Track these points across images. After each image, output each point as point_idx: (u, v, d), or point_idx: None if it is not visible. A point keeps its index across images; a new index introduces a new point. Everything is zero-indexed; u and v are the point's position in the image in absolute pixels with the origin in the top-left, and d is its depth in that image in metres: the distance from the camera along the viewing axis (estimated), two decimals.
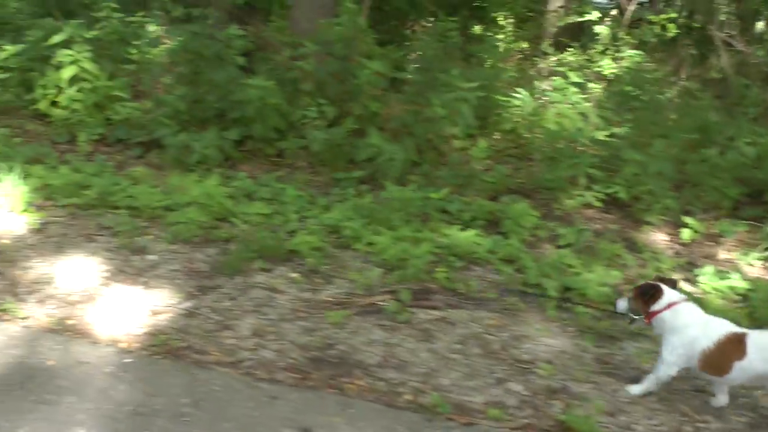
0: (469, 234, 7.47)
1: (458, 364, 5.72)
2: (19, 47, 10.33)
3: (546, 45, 15.30)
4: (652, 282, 5.25)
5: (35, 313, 5.81)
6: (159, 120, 9.49)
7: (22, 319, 5.71)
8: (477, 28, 15.19)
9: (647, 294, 5.14)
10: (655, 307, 5.10)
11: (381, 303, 6.36)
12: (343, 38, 10.07)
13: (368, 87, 9.79)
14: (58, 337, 5.51)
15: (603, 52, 14.70)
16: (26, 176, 7.79)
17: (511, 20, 16.62)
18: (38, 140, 9.65)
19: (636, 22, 15.34)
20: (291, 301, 6.34)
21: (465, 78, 9.28)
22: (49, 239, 7.05)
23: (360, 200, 8.17)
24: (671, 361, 5.06)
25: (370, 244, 7.22)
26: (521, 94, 10.59)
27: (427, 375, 5.53)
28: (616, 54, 14.49)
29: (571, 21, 15.73)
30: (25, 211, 7.39)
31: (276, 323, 5.98)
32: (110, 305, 6.01)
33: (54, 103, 10.12)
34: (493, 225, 8.14)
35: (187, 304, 6.12)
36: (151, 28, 12.67)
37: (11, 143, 9.05)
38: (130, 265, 6.68)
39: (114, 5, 11.24)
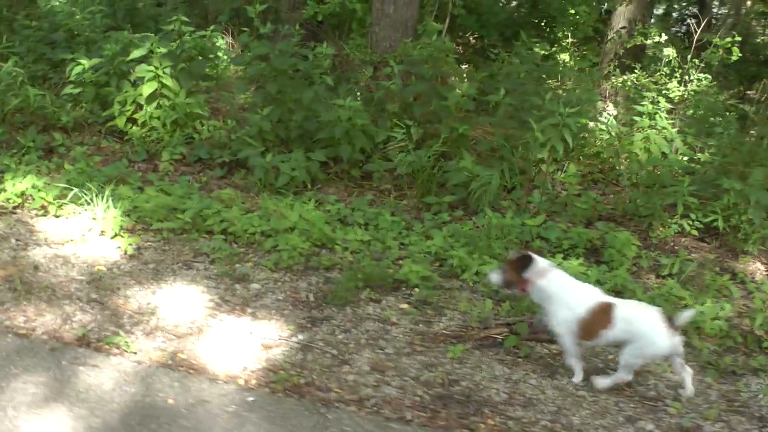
0: (574, 263, 7.18)
1: (585, 401, 5.41)
2: (95, 61, 10.13)
3: (612, 66, 15.03)
4: (523, 252, 5.53)
5: (144, 347, 5.56)
6: (243, 139, 9.25)
7: (133, 353, 5.45)
8: (539, 48, 14.86)
9: (520, 263, 5.40)
10: (528, 274, 5.37)
11: (497, 336, 6.07)
12: (431, 58, 9.83)
13: (456, 109, 9.53)
14: (173, 373, 5.26)
15: (669, 75, 14.40)
16: (115, 198, 7.54)
17: (574, 41, 16.37)
18: (114, 158, 9.44)
19: (700, 45, 15.02)
20: (405, 334, 6.08)
21: (557, 102, 8.97)
22: (146, 266, 6.82)
23: (456, 227, 7.88)
24: (563, 331, 5.40)
25: (478, 274, 6.91)
26: (607, 118, 10.29)
27: (556, 413, 5.23)
28: (685, 77, 14.17)
29: (638, 43, 15.38)
30: (117, 235, 7.16)
31: (394, 358, 5.72)
32: (220, 338, 5.77)
33: (131, 120, 9.90)
34: (592, 253, 7.82)
35: (300, 337, 5.87)
36: (219, 42, 12.48)
37: (92, 162, 8.82)
38: (233, 295, 6.44)
39: (184, 18, 11.01)
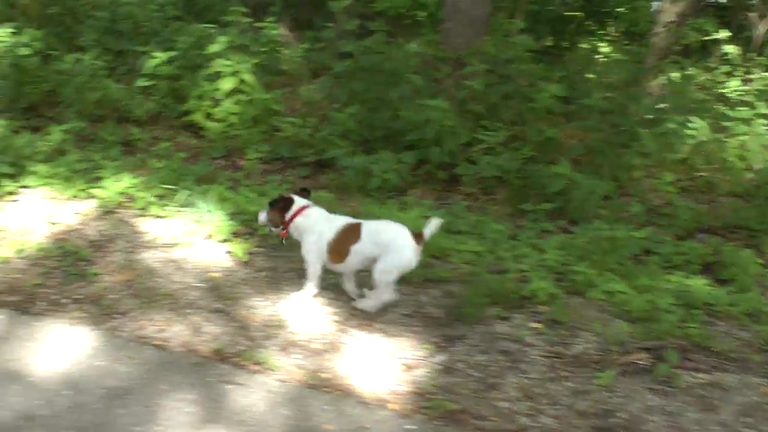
0: (700, 282, 6.91)
1: None
2: (169, 54, 9.84)
3: (666, 63, 14.69)
4: (283, 195, 6.02)
5: (283, 363, 5.33)
6: (328, 139, 8.97)
7: (272, 370, 5.21)
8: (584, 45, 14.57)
9: (279, 204, 5.89)
10: (288, 214, 5.84)
11: (638, 362, 5.80)
12: (517, 57, 9.55)
13: (544, 111, 9.25)
14: (322, 396, 5.03)
15: (729, 73, 14.07)
16: (211, 199, 7.29)
17: (618, 35, 16.06)
18: (191, 153, 9.17)
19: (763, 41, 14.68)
20: (545, 357, 5.82)
21: (655, 107, 8.71)
22: (260, 273, 6.58)
23: (561, 238, 7.62)
24: (312, 258, 5.85)
25: (606, 292, 6.62)
26: (697, 123, 9.99)
27: None
28: (748, 75, 13.85)
29: (695, 39, 15.05)
30: (225, 240, 6.89)
31: (541, 383, 5.46)
32: (357, 356, 5.53)
33: (207, 115, 9.62)
34: (704, 270, 7.54)
35: (440, 358, 5.61)
36: (274, 32, 12.14)
37: (176, 159, 8.55)
38: (356, 307, 6.16)
39: (242, 9, 10.75)
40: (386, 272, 5.64)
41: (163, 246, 6.79)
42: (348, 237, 5.69)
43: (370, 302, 5.90)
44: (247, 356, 5.33)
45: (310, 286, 5.99)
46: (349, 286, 6.13)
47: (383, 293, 5.75)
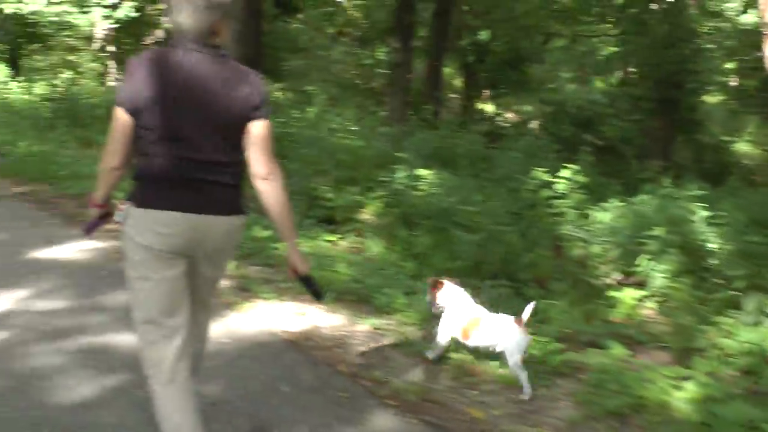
0: None
1: None
2: None
3: None
4: (436, 278, 6.67)
5: None
6: None
7: None
8: None
9: (433, 286, 6.55)
10: (440, 295, 6.47)
11: None
12: None
13: None
14: None
15: None
16: None
17: None
18: None
19: None
20: None
21: None
22: None
23: None
24: (444, 331, 6.42)
25: None
26: None
27: None
28: None
29: None
30: None
31: None
32: None
33: None
34: None
35: None
36: None
37: None
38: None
39: None
40: (511, 358, 6.13)
41: None
42: (473, 324, 6.36)
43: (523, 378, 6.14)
44: None
45: (437, 348, 6.61)
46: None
47: (520, 373, 6.14)
